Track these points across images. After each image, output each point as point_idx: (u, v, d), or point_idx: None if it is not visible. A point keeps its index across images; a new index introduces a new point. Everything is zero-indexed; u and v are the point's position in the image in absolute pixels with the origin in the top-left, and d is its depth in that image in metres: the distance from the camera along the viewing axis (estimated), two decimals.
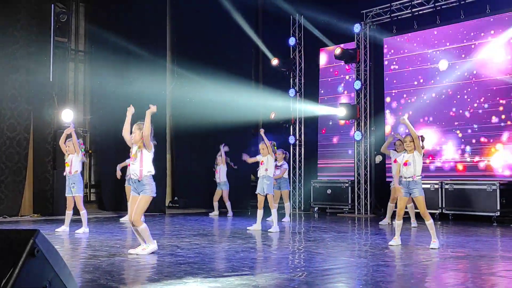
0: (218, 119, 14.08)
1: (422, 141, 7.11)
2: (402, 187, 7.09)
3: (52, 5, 11.69)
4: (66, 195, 8.75)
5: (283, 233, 8.97)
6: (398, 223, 7.14)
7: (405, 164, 6.95)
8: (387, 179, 12.09)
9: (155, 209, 12.81)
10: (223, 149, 12.40)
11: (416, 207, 7.99)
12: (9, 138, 11.33)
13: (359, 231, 9.65)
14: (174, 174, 15.46)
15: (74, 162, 8.68)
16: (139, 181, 6.14)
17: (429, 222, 6.92)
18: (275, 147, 9.59)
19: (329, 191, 13.35)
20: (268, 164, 9.15)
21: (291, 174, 14.33)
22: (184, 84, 14.64)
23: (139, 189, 6.15)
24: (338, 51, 12.81)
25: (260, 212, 9.23)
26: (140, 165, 6.13)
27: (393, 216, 10.74)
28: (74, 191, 8.61)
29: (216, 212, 12.44)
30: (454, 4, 11.57)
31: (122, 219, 10.64)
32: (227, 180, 12.38)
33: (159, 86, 13.41)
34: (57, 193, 11.42)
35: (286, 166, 11.05)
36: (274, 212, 9.17)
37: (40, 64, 11.69)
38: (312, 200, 13.75)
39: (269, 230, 8.94)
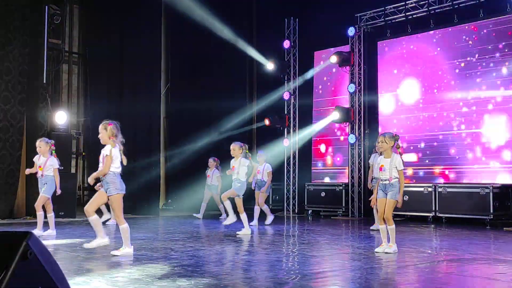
0: (212, 122, 14.06)
1: (396, 140, 6.72)
2: (378, 189, 6.74)
3: (46, 6, 11.65)
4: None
5: (278, 235, 8.96)
6: (381, 227, 6.82)
7: (380, 169, 6.68)
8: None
9: (148, 212, 12.77)
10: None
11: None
12: (2, 140, 11.27)
13: (353, 234, 9.65)
14: (168, 177, 15.42)
15: (48, 164, 8.53)
16: (103, 179, 6.19)
17: (392, 227, 6.65)
18: (247, 151, 9.12)
19: (323, 194, 13.35)
20: (240, 168, 8.89)
21: (285, 178, 14.34)
22: (179, 86, 14.63)
23: (105, 187, 6.20)
24: (333, 57, 12.83)
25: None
26: (103, 163, 6.16)
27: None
28: (43, 190, 8.38)
29: (200, 215, 12.31)
30: (448, 8, 11.63)
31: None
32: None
33: (153, 89, 13.38)
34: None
35: (270, 168, 10.86)
36: (243, 216, 8.92)
37: (33, 65, 11.64)
38: (306, 203, 13.74)
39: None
